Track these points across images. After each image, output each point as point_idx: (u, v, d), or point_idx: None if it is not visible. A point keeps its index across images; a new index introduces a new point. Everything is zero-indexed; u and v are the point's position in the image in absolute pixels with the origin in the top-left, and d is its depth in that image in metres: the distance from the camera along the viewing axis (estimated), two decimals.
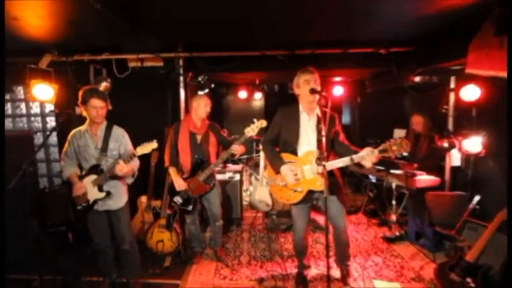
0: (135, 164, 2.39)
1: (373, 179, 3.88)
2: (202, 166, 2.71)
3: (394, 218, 3.31)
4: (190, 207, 2.75)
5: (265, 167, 3.57)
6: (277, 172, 2.24)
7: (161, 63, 3.30)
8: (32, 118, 3.79)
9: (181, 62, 3.15)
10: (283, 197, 2.30)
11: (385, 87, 4.25)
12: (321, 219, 3.63)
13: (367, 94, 4.94)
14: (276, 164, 2.25)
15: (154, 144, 2.22)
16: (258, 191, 3.54)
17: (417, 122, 3.40)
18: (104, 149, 2.33)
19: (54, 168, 3.91)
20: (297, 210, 2.33)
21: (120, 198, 2.45)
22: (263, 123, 2.56)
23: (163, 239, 2.96)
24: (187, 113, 3.00)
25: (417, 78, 3.44)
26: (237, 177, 3.71)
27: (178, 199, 2.76)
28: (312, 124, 2.19)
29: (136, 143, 2.45)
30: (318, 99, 2.11)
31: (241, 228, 3.71)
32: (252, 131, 2.56)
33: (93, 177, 2.33)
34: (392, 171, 3.29)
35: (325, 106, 2.05)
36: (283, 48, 3.02)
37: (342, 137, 2.26)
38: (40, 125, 3.78)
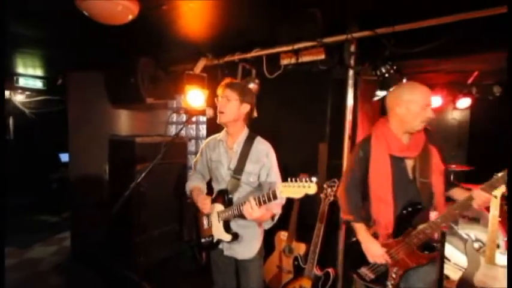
0: (277, 205, 1.53)
1: None
2: (416, 218, 1.45)
3: None
4: (388, 286, 1.52)
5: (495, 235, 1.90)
6: None
7: (322, 56, 2.38)
8: (189, 126, 3.87)
9: (352, 48, 2.10)
10: None
11: None
12: None
13: None
14: None
15: (311, 188, 1.24)
16: (482, 270, 1.91)
17: None
18: (238, 170, 1.60)
19: None
20: None
21: (250, 246, 1.67)
22: None
23: None
24: (364, 120, 1.91)
25: None
26: None
27: (367, 272, 1.59)
28: None
29: (282, 166, 1.64)
30: None
31: None
32: None
33: (219, 207, 1.65)
34: None
35: None
36: None
37: None
38: (194, 132, 3.80)
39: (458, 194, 1.51)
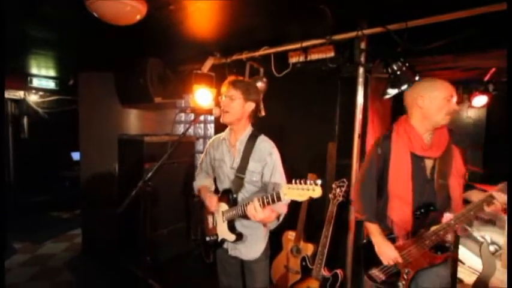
0: (282, 205, 1.50)
1: None
2: (429, 218, 1.43)
3: None
4: (400, 286, 1.53)
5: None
6: None
7: (331, 54, 2.34)
8: (197, 125, 3.88)
9: (363, 45, 2.06)
10: None
11: None
12: None
13: None
14: None
15: (316, 191, 1.21)
16: (497, 275, 1.84)
17: None
18: (241, 169, 1.59)
19: None
20: None
21: (255, 246, 1.66)
22: None
23: None
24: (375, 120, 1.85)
25: None
26: None
27: (378, 274, 1.57)
28: None
29: (287, 166, 1.60)
30: None
31: None
32: None
33: (224, 206, 1.64)
34: None
35: None
36: None
37: None
38: (202, 131, 3.81)
39: (475, 196, 1.46)
